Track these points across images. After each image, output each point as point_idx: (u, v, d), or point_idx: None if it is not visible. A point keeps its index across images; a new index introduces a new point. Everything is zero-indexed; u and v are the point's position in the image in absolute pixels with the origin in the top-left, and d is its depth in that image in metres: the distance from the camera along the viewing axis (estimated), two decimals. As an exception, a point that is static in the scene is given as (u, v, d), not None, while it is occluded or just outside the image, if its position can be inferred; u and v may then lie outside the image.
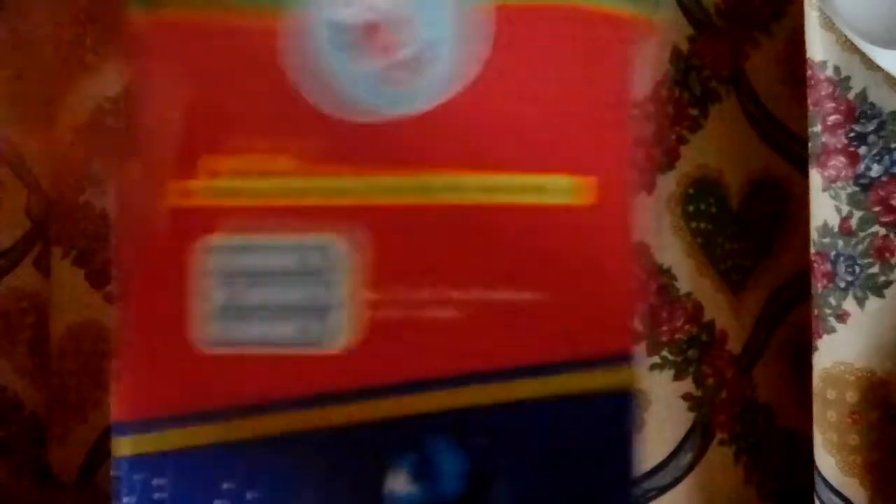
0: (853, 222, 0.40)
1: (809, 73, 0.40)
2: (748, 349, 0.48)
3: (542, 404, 0.18)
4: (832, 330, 0.40)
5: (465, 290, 0.18)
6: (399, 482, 0.18)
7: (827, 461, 0.40)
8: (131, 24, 0.19)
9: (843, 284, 0.40)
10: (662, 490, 0.46)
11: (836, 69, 0.40)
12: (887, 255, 0.39)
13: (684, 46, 0.46)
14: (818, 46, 0.40)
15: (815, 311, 0.41)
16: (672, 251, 0.46)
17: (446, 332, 0.18)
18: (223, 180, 0.19)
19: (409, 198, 0.19)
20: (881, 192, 0.39)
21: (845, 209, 0.40)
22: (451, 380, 0.18)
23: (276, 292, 0.19)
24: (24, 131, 0.54)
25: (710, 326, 0.46)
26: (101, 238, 0.52)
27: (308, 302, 0.19)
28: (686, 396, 0.46)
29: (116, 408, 0.19)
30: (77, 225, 0.53)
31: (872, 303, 0.39)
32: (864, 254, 0.39)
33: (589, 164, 0.18)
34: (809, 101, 0.41)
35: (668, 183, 0.46)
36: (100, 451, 0.52)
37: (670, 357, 0.46)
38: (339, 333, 0.19)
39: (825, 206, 0.40)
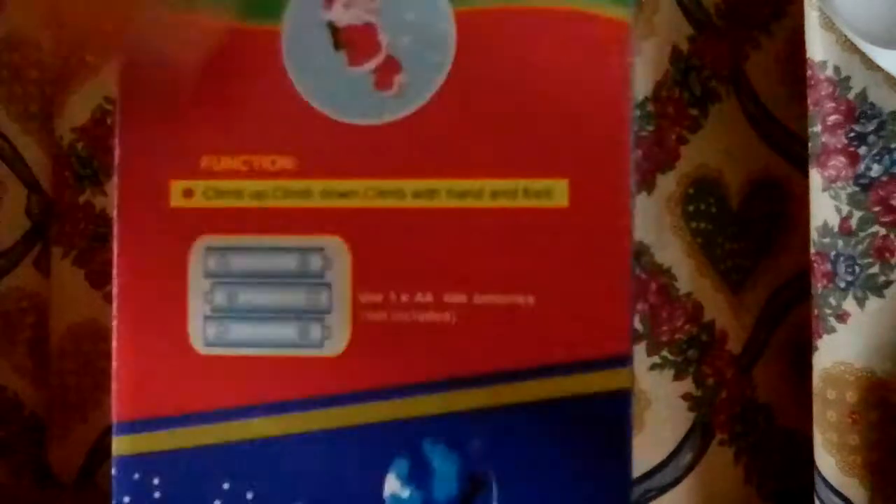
0: (853, 222, 0.40)
1: (809, 73, 0.40)
2: (748, 349, 0.48)
3: (538, 407, 0.18)
4: (832, 330, 0.40)
5: (459, 294, 0.18)
6: (395, 485, 0.18)
7: (827, 461, 0.40)
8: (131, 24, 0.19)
9: (843, 284, 0.40)
10: (662, 490, 0.46)
11: (836, 69, 0.40)
12: (887, 255, 0.39)
13: (684, 46, 0.46)
14: (818, 46, 0.40)
15: (815, 311, 0.41)
16: (672, 251, 0.46)
17: (442, 336, 0.18)
18: (223, 181, 0.19)
19: (409, 202, 0.19)
20: (881, 192, 0.39)
21: (845, 209, 0.40)
22: (446, 383, 0.18)
23: (275, 294, 0.19)
24: (24, 131, 0.54)
25: (710, 326, 0.46)
26: (101, 238, 0.52)
27: (306, 304, 0.19)
28: (686, 396, 0.46)
29: (115, 408, 0.19)
30: (77, 225, 0.53)
31: (872, 303, 0.39)
32: (864, 254, 0.39)
33: (579, 167, 0.18)
34: (809, 101, 0.40)
35: (668, 183, 0.46)
36: (100, 451, 0.52)
37: (670, 357, 0.46)
38: (337, 336, 0.19)
39: (825, 206, 0.40)
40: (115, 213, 0.19)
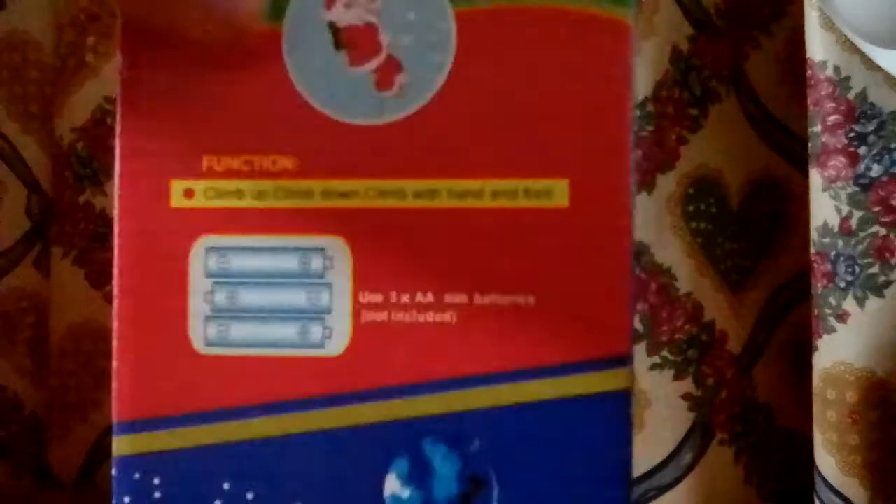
0: (853, 222, 0.40)
1: (809, 73, 0.40)
2: (748, 349, 0.48)
3: (538, 407, 0.18)
4: (832, 330, 0.40)
5: (460, 294, 0.18)
6: (395, 485, 0.18)
7: (827, 461, 0.40)
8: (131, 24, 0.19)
9: (843, 284, 0.40)
10: (662, 490, 0.46)
11: (836, 69, 0.40)
12: (887, 255, 0.39)
13: (684, 46, 0.46)
14: (818, 46, 0.40)
15: (815, 311, 0.41)
16: (672, 251, 0.46)
17: (442, 336, 0.18)
18: (224, 181, 0.19)
19: (410, 202, 0.19)
20: (881, 192, 0.39)
21: (845, 209, 0.40)
22: (446, 383, 0.18)
23: (275, 294, 0.19)
24: (24, 131, 0.54)
25: (710, 326, 0.46)
26: (101, 238, 0.52)
27: (307, 304, 0.19)
28: (686, 396, 0.46)
29: (115, 407, 0.19)
30: (77, 225, 0.53)
31: (872, 303, 0.39)
32: (864, 254, 0.39)
33: (580, 167, 0.18)
34: (809, 101, 0.41)
35: (668, 183, 0.46)
36: (100, 451, 0.52)
37: (670, 357, 0.46)
38: (338, 336, 0.19)
39: (825, 206, 0.40)
40: (115, 214, 0.19)
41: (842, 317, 0.40)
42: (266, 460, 0.18)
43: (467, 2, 0.19)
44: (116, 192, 0.19)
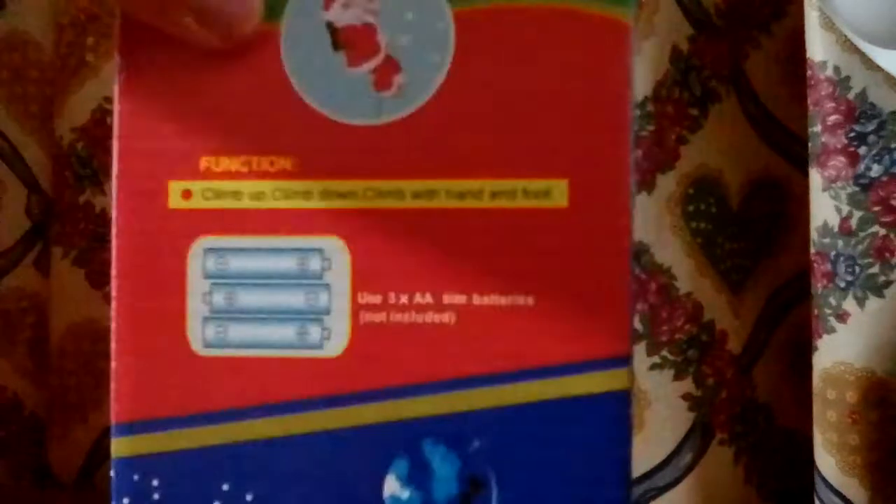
0: (853, 222, 0.40)
1: (809, 73, 0.40)
2: (748, 349, 0.48)
3: (538, 408, 0.18)
4: (832, 330, 0.40)
5: (459, 294, 0.18)
6: (395, 486, 0.18)
7: (827, 461, 0.40)
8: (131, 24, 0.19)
9: (843, 284, 0.40)
10: (662, 490, 0.46)
11: (836, 69, 0.39)
12: (887, 255, 0.39)
13: (684, 46, 0.46)
14: (818, 46, 0.40)
15: (815, 311, 0.41)
16: (672, 251, 0.46)
17: (441, 337, 0.18)
18: (222, 182, 0.19)
19: (409, 202, 0.19)
20: (881, 192, 0.39)
21: (845, 209, 0.40)
22: (445, 384, 0.18)
23: (274, 295, 0.19)
24: (24, 131, 0.54)
25: (710, 326, 0.46)
26: (101, 238, 0.52)
27: (305, 305, 0.19)
28: (686, 396, 0.46)
29: (114, 409, 0.19)
30: (77, 225, 0.53)
31: (872, 303, 0.39)
32: (864, 254, 0.39)
33: (579, 167, 0.18)
34: (809, 101, 0.40)
35: (668, 183, 0.46)
36: (100, 451, 0.52)
37: (670, 357, 0.46)
38: (336, 337, 0.19)
39: (825, 206, 0.40)
40: (113, 214, 0.19)
41: (842, 317, 0.40)
42: (265, 461, 0.18)
43: (465, 1, 0.18)
44: (114, 192, 0.19)
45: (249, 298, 0.19)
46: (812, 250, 0.41)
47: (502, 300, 0.18)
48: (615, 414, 0.18)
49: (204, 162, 0.19)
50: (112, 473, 0.19)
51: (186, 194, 0.19)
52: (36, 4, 0.54)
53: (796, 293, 0.48)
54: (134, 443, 0.19)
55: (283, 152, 0.19)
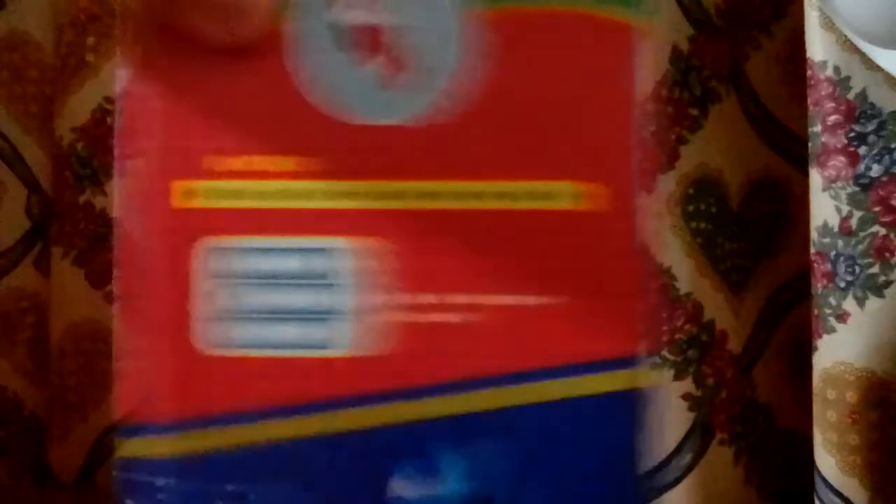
0: (853, 222, 0.40)
1: (809, 73, 0.40)
2: (748, 349, 0.48)
3: (546, 409, 0.18)
4: (832, 330, 0.40)
5: (465, 296, 0.18)
6: (403, 488, 0.18)
7: (827, 461, 0.40)
8: (133, 24, 0.19)
9: (843, 284, 0.40)
10: (662, 490, 0.46)
11: (836, 69, 0.40)
12: (887, 255, 0.39)
13: (684, 46, 0.46)
14: (818, 46, 0.40)
15: (815, 311, 0.41)
16: (672, 251, 0.46)
17: (448, 338, 0.18)
18: (226, 182, 0.19)
19: (414, 202, 0.19)
20: (881, 192, 0.39)
21: (845, 209, 0.40)
22: (452, 385, 0.18)
23: (280, 295, 0.19)
24: (24, 131, 0.54)
25: (710, 326, 0.46)
26: (101, 238, 0.52)
27: (312, 305, 0.19)
28: (686, 396, 0.46)
29: (118, 410, 0.19)
30: (77, 225, 0.53)
31: (872, 303, 0.39)
32: (864, 254, 0.39)
33: (596, 170, 0.18)
34: (809, 101, 0.41)
35: (668, 183, 0.46)
36: (100, 451, 0.52)
37: (670, 357, 0.46)
38: (344, 338, 0.19)
39: (825, 206, 0.40)
40: (117, 214, 0.19)
41: (842, 317, 0.40)
42: (270, 462, 0.18)
43: (473, 3, 0.19)
44: (118, 192, 0.19)
45: (254, 299, 0.19)
46: (812, 250, 0.41)
47: (509, 301, 0.18)
48: (628, 413, 0.18)
49: (207, 161, 0.19)
50: (117, 474, 0.19)
51: (190, 194, 0.19)
52: (36, 4, 0.54)
53: (796, 293, 0.48)
54: (139, 444, 0.19)
55: (288, 152, 0.19)
